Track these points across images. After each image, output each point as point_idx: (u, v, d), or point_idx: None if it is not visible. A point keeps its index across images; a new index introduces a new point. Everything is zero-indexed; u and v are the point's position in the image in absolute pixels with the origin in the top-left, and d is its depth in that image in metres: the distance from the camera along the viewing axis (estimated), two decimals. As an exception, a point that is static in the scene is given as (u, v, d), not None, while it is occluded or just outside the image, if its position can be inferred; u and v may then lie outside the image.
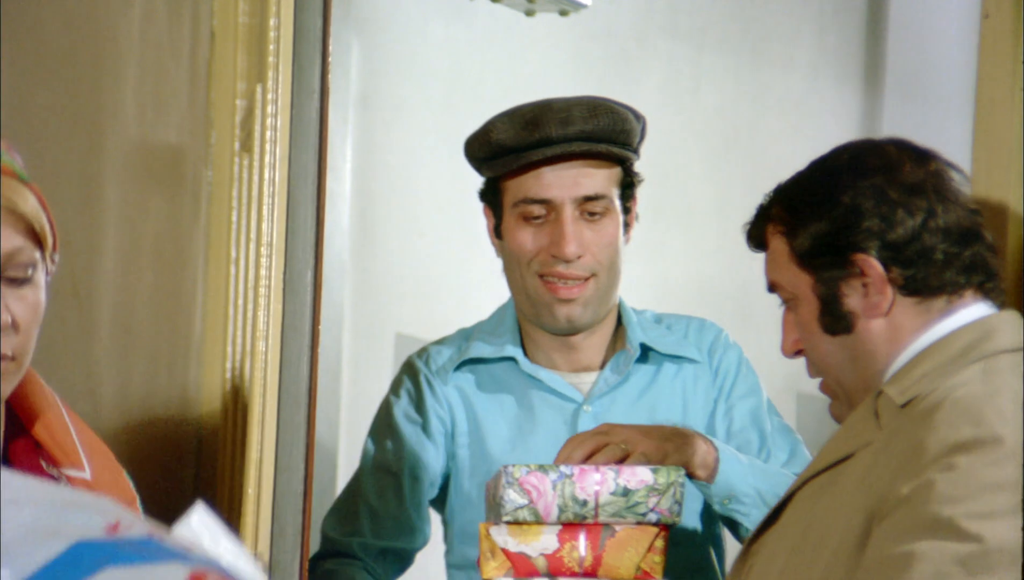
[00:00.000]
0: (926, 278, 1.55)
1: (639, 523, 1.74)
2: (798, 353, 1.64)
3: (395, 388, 2.15)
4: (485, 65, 3.03)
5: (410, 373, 2.14)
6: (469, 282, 2.98)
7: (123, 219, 1.96)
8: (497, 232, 2.10)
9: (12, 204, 1.35)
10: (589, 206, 2.02)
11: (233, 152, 2.02)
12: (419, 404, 2.10)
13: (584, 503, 1.73)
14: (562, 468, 1.73)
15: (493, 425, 2.08)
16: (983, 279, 1.56)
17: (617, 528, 1.74)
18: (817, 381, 1.65)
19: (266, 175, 1.87)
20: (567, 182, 2.02)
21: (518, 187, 2.04)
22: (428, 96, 2.93)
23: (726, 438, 2.08)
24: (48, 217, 1.41)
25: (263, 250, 1.88)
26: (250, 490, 1.87)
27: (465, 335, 2.16)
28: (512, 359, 2.08)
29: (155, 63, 2.00)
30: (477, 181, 3.03)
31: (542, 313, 2.04)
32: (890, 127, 3.71)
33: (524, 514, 1.73)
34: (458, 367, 2.10)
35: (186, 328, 2.04)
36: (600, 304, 2.05)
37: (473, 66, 3.01)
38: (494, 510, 1.76)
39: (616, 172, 2.05)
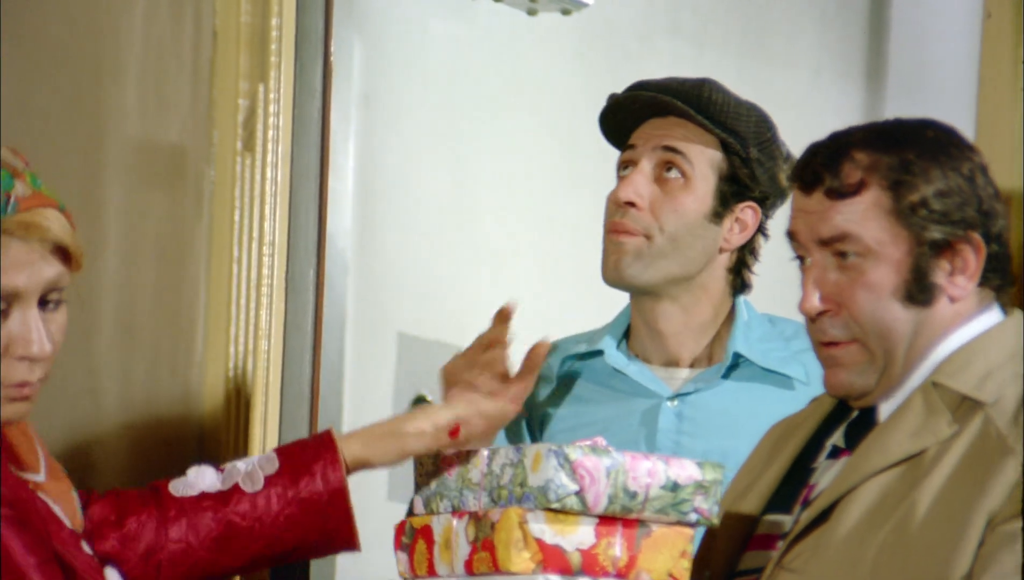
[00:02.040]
0: (1003, 265, 1.50)
1: (678, 523, 1.56)
2: (821, 314, 1.52)
3: None
4: (487, 64, 3.03)
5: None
6: (471, 281, 2.98)
7: (125, 218, 1.96)
8: None
9: (59, 239, 1.37)
10: (669, 157, 2.00)
11: (235, 151, 2.02)
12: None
13: (634, 495, 1.53)
14: (614, 454, 1.53)
15: (569, 420, 2.06)
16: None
17: (653, 527, 1.56)
18: None
19: (268, 174, 1.87)
20: (652, 133, 2.02)
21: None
22: (430, 95, 2.93)
23: None
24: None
25: (265, 249, 1.88)
26: (252, 489, 1.87)
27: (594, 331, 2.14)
28: (601, 353, 2.06)
29: (157, 63, 2.00)
30: (479, 179, 3.02)
31: (605, 267, 2.01)
32: (892, 125, 3.70)
33: (572, 502, 1.51)
34: (562, 363, 2.08)
35: (188, 327, 2.04)
36: (651, 265, 1.99)
37: (475, 65, 3.01)
38: (534, 492, 1.52)
39: (715, 155, 2.01)
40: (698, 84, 2.03)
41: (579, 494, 1.52)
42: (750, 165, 2.03)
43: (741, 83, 3.71)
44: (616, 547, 1.54)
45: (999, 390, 1.47)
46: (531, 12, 2.97)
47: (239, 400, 1.97)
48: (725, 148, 2.02)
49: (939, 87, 3.38)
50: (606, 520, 1.54)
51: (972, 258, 1.47)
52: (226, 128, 2.03)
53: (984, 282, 1.50)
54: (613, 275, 2.01)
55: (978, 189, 1.47)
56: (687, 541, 1.56)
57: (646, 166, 2.00)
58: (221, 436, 2.01)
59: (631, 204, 1.98)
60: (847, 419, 1.60)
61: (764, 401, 2.02)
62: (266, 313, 1.88)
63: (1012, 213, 1.95)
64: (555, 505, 1.51)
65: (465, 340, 2.75)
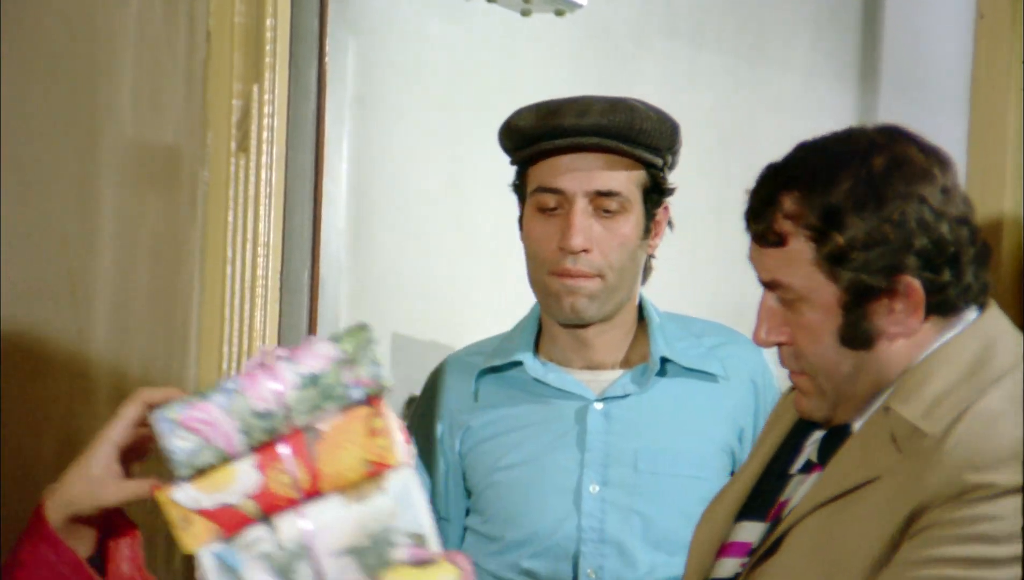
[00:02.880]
0: (955, 299, 1.44)
1: (344, 409, 1.34)
2: (778, 344, 1.49)
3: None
4: (482, 65, 3.03)
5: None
6: (466, 282, 2.98)
7: (119, 219, 1.96)
8: (520, 222, 2.10)
9: None
10: (603, 202, 2.01)
11: (230, 152, 2.02)
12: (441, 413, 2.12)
13: (270, 415, 1.32)
14: (225, 384, 1.33)
15: (491, 427, 2.09)
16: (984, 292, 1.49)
17: (321, 427, 1.34)
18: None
19: (263, 175, 1.87)
20: (580, 175, 2.01)
21: (535, 176, 2.05)
22: (425, 96, 2.93)
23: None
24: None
25: (260, 250, 1.88)
26: (247, 490, 1.87)
27: (498, 340, 2.16)
28: (520, 363, 2.08)
29: (151, 63, 2.00)
30: (473, 180, 3.02)
31: (551, 303, 2.04)
32: (886, 127, 3.71)
33: (206, 458, 1.32)
34: (479, 376, 2.10)
35: (183, 328, 2.04)
36: (607, 301, 2.04)
37: (470, 66, 3.01)
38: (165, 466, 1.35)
39: (640, 174, 2.04)
40: (627, 116, 2.01)
41: (207, 446, 1.32)
42: (666, 169, 2.07)
43: (736, 84, 3.72)
44: (287, 470, 1.33)
45: (946, 417, 1.43)
46: (525, 13, 2.97)
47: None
48: (646, 164, 2.05)
49: (932, 88, 3.38)
50: (264, 448, 1.33)
51: (906, 300, 1.42)
52: (220, 129, 2.03)
53: (944, 310, 1.45)
54: (571, 317, 2.04)
55: (911, 229, 1.41)
56: (369, 419, 1.35)
57: (584, 206, 2.01)
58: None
59: (585, 250, 2.00)
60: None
61: (688, 398, 2.07)
62: (260, 314, 1.88)
63: (1007, 212, 1.95)
64: (187, 471, 1.33)
65: (460, 341, 2.76)
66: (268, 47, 1.89)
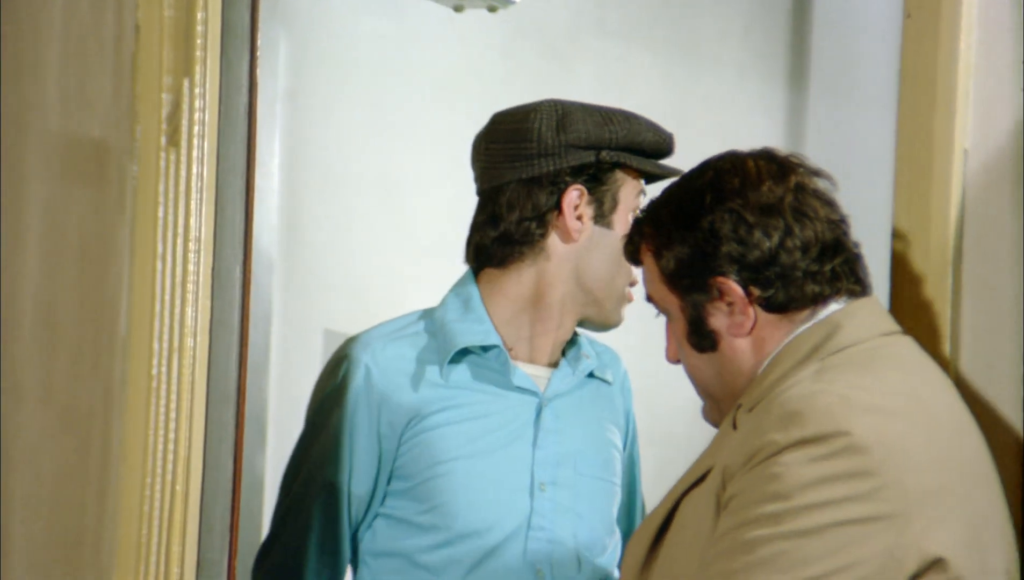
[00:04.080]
0: (787, 295, 1.60)
1: None
2: (679, 361, 1.70)
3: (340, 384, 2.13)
4: (414, 61, 3.02)
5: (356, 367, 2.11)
6: (398, 277, 2.98)
7: (46, 214, 1.94)
8: (603, 220, 2.09)
9: None
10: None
11: (159, 146, 2.01)
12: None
13: None
14: None
15: (455, 421, 2.07)
16: (850, 286, 1.61)
17: None
18: None
19: (194, 170, 1.86)
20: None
21: (638, 188, 2.11)
22: (356, 91, 2.92)
23: (628, 473, 2.15)
24: None
25: (191, 245, 1.87)
26: (178, 487, 1.86)
27: (426, 324, 2.13)
28: (497, 347, 2.08)
29: (78, 57, 1.98)
30: (405, 176, 3.00)
31: (617, 311, 2.09)
32: (815, 125, 3.75)
33: None
34: (452, 361, 2.08)
35: (111, 325, 2.02)
36: None
37: (402, 61, 3.01)
38: None
39: None
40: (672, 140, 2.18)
41: None
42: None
43: (668, 82, 3.74)
44: None
45: (761, 396, 1.57)
46: (458, 9, 2.97)
47: (164, 398, 1.95)
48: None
49: (861, 86, 3.43)
50: None
51: (736, 297, 1.61)
52: (150, 123, 2.01)
53: (784, 306, 1.61)
54: (618, 324, 2.12)
55: (721, 237, 1.60)
56: None
57: None
58: (144, 435, 1.99)
59: None
60: None
61: (598, 402, 2.13)
62: (191, 310, 1.86)
63: (933, 210, 1.98)
64: None
65: (392, 337, 2.72)
66: (199, 41, 1.87)
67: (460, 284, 2.13)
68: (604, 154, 2.06)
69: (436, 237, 3.05)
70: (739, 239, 1.59)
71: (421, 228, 3.01)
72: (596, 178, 2.08)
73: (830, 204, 1.63)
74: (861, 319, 1.60)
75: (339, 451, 2.07)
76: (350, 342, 2.14)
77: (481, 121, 3.15)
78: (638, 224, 1.70)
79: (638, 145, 2.07)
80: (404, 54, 3.01)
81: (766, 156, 1.66)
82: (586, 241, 2.07)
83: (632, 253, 1.70)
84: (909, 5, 2.01)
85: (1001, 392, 1.61)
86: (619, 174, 2.07)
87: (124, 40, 2.01)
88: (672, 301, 1.65)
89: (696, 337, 1.63)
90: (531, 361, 2.08)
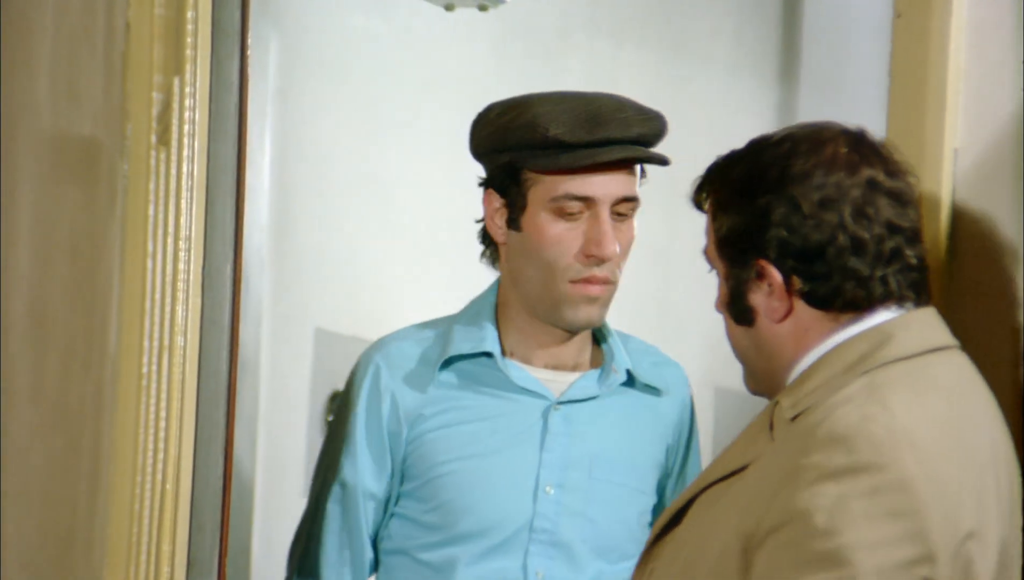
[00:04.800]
0: (828, 293, 1.56)
1: None
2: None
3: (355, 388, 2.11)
4: (405, 60, 3.02)
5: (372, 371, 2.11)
6: (389, 276, 2.98)
7: (37, 212, 1.93)
8: (514, 223, 2.04)
9: None
10: (620, 207, 2.01)
11: (150, 145, 2.00)
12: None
13: None
14: None
15: (457, 423, 2.07)
16: (903, 294, 1.57)
17: None
18: (736, 375, 1.67)
19: (184, 169, 1.86)
20: (610, 182, 2.00)
21: (559, 183, 2.00)
22: (347, 90, 2.92)
23: (675, 483, 2.12)
24: None
25: (181, 244, 1.86)
26: (168, 486, 1.86)
27: (439, 329, 2.12)
28: (489, 354, 2.06)
29: (68, 55, 1.98)
30: (396, 174, 2.99)
31: (564, 312, 2.02)
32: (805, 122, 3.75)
33: None
34: (443, 366, 2.07)
35: (102, 322, 2.02)
36: (609, 305, 2.06)
37: (392, 60, 3.00)
38: None
39: (638, 174, 2.05)
40: (659, 125, 2.04)
41: None
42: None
43: (659, 80, 3.74)
44: None
45: (807, 404, 1.53)
46: (448, 8, 2.97)
47: (154, 397, 1.95)
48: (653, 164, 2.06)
49: (851, 85, 3.43)
50: None
51: (774, 282, 1.58)
52: (140, 122, 2.01)
53: (824, 302, 1.57)
54: (583, 325, 2.03)
55: (772, 221, 1.56)
56: None
57: (607, 214, 2.00)
58: (135, 434, 1.99)
59: (613, 258, 2.01)
60: None
61: (638, 411, 2.09)
62: (182, 308, 1.86)
63: (926, 211, 1.98)
64: None
65: (382, 335, 2.74)
66: (189, 39, 1.87)
67: (490, 287, 2.13)
68: (504, 157, 2.04)
69: (427, 236, 3.05)
70: (789, 227, 1.55)
71: (412, 227, 3.01)
72: (503, 181, 2.05)
73: (902, 206, 1.57)
74: (914, 332, 1.55)
75: (351, 449, 2.09)
76: (373, 343, 2.16)
77: (472, 116, 3.14)
78: (709, 173, 1.64)
79: (546, 144, 1.98)
80: (395, 53, 3.01)
81: (852, 142, 1.60)
82: (511, 245, 2.06)
83: (696, 201, 1.66)
84: (899, 5, 2.01)
85: (995, 392, 1.60)
86: (529, 174, 2.00)
87: (115, 39, 2.00)
88: (720, 265, 1.62)
89: (735, 309, 1.61)
90: (549, 366, 2.06)
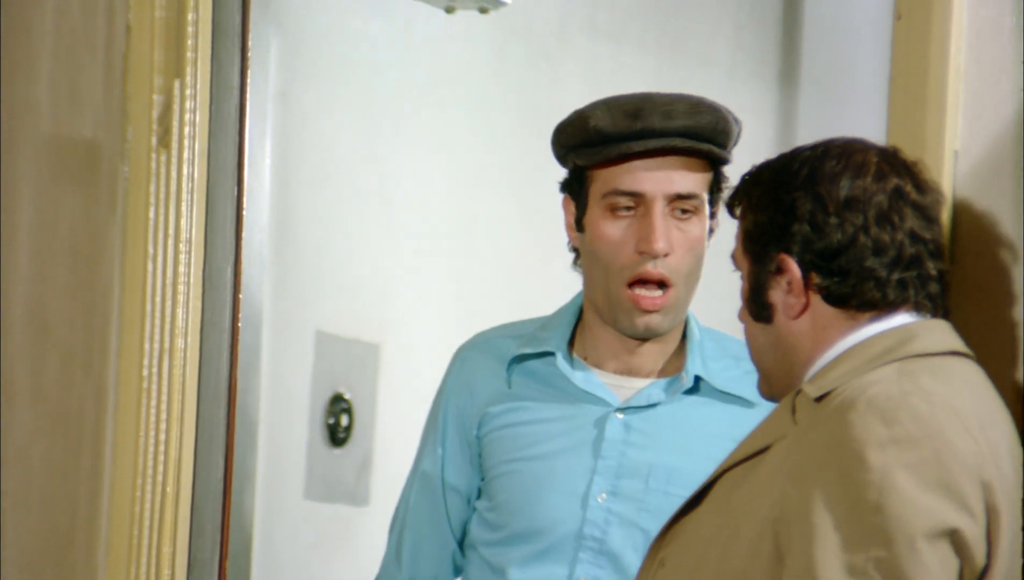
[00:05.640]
0: (846, 291, 1.59)
1: None
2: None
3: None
4: (405, 61, 3.02)
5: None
6: (389, 278, 2.97)
7: (38, 215, 1.93)
8: (579, 225, 2.02)
9: None
10: (680, 204, 1.96)
11: (150, 147, 2.00)
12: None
13: None
14: None
15: (508, 416, 2.05)
16: (920, 301, 1.60)
17: None
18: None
19: (184, 171, 1.86)
20: (660, 177, 1.96)
21: (610, 178, 1.97)
22: (347, 92, 2.92)
23: None
24: None
25: (182, 246, 1.87)
26: (169, 488, 1.86)
27: (534, 325, 2.11)
28: (552, 354, 2.04)
29: (69, 57, 1.98)
30: (397, 176, 3.00)
31: (621, 319, 1.98)
32: (805, 125, 3.75)
33: None
34: (511, 363, 2.05)
35: (103, 324, 2.02)
36: (679, 310, 1.99)
37: (393, 63, 3.00)
38: None
39: (708, 174, 1.98)
40: (712, 118, 1.96)
41: None
42: (725, 164, 2.02)
43: (658, 82, 3.74)
44: None
45: (832, 385, 1.56)
46: (449, 10, 2.97)
47: (155, 398, 1.95)
48: (712, 161, 1.99)
49: (852, 87, 3.43)
50: None
51: (794, 278, 1.61)
52: (141, 124, 2.01)
53: (843, 300, 1.60)
54: (642, 332, 1.98)
55: (798, 216, 1.61)
56: None
57: (662, 209, 1.95)
58: (135, 435, 1.99)
59: (665, 254, 1.95)
60: None
61: (714, 420, 2.02)
62: (182, 311, 1.86)
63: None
64: None
65: (382, 338, 2.75)
66: (190, 41, 1.87)
67: (580, 292, 2.11)
68: (569, 158, 2.03)
69: (428, 237, 3.05)
70: (813, 223, 1.59)
71: (412, 228, 3.01)
72: (572, 184, 2.05)
73: (927, 220, 1.61)
74: (936, 335, 1.59)
75: (434, 439, 2.09)
76: (472, 337, 2.15)
77: (472, 119, 3.15)
78: (744, 179, 1.68)
79: (590, 137, 1.96)
80: (395, 55, 3.01)
81: (884, 153, 1.64)
82: (582, 248, 2.04)
83: (729, 205, 1.69)
84: (900, 7, 2.01)
85: (1000, 395, 1.61)
86: (590, 173, 1.98)
87: (115, 41, 2.00)
88: (744, 263, 1.66)
89: (754, 305, 1.64)
90: (622, 372, 2.03)
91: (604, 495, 1.99)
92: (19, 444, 1.92)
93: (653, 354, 2.03)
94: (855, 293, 1.59)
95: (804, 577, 1.46)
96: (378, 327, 2.91)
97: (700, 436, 2.00)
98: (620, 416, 2.00)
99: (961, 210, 2.00)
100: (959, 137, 2.01)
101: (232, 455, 1.88)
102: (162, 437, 1.90)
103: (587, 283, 2.03)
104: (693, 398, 2.01)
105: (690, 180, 1.98)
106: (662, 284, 1.96)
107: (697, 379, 2.02)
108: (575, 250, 2.07)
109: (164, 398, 1.90)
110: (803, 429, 1.55)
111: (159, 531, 1.87)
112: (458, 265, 3.08)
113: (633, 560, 1.98)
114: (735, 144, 2.02)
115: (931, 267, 1.61)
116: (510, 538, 2.01)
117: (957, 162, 2.00)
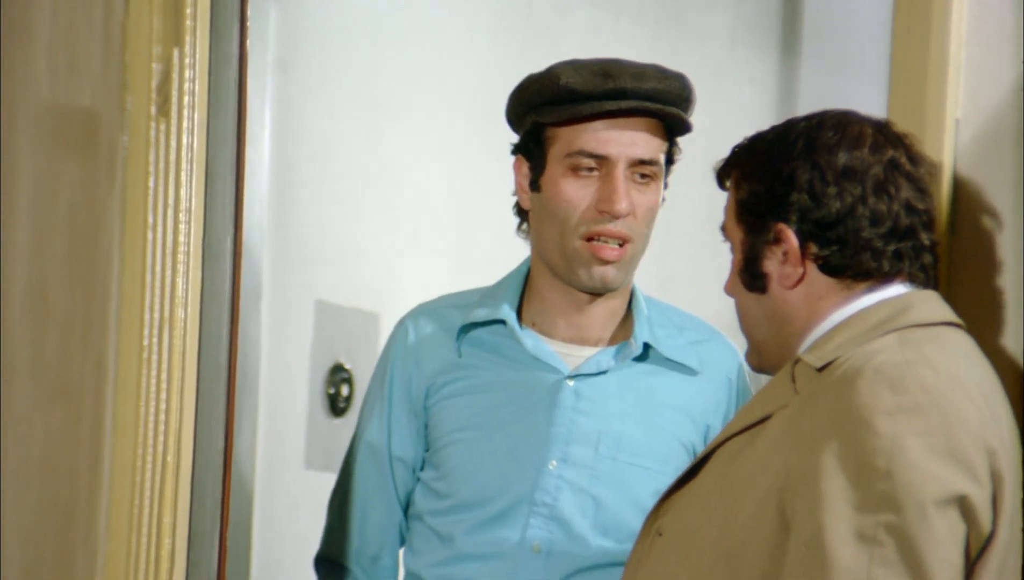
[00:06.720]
0: (843, 260, 1.61)
1: None
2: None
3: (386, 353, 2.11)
4: (405, 32, 3.01)
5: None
6: (389, 249, 2.97)
7: (37, 185, 1.93)
8: (534, 185, 2.04)
9: None
10: (641, 169, 1.99)
11: (150, 117, 2.00)
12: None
13: None
14: None
15: (458, 383, 2.06)
16: (913, 272, 1.60)
17: None
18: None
19: (184, 140, 1.85)
20: (625, 140, 1.98)
21: (573, 138, 1.99)
22: (347, 62, 2.91)
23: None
24: None
25: (181, 216, 1.86)
26: (169, 459, 1.86)
27: (477, 294, 2.11)
28: (504, 323, 2.05)
29: (67, 26, 1.97)
30: (396, 147, 3.00)
31: (578, 271, 2.01)
32: (807, 94, 3.75)
33: None
34: (461, 332, 2.06)
35: (102, 296, 2.02)
36: (631, 268, 2.03)
37: (393, 32, 2.99)
38: None
39: (664, 143, 2.02)
40: (679, 84, 2.00)
41: None
42: (682, 134, 2.04)
43: (657, 52, 3.73)
44: None
45: (833, 354, 1.57)
46: (449, -21, 2.96)
47: (155, 370, 1.95)
48: (669, 130, 2.02)
49: (853, 56, 3.42)
50: None
51: (790, 247, 1.62)
52: (140, 93, 2.00)
53: (838, 270, 1.61)
54: (598, 286, 2.01)
55: (795, 186, 1.61)
56: None
57: (624, 172, 1.98)
58: (136, 406, 1.99)
59: (627, 216, 1.98)
60: None
61: (661, 388, 2.05)
62: (182, 281, 1.86)
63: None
64: None
65: (382, 308, 2.75)
66: (188, 10, 1.86)
67: (524, 260, 2.11)
68: (529, 118, 2.03)
69: (428, 206, 3.05)
70: (811, 193, 1.60)
71: (411, 199, 3.00)
72: (527, 143, 2.05)
73: (920, 192, 1.62)
74: (931, 305, 1.60)
75: (379, 411, 2.10)
76: (412, 308, 2.15)
77: (472, 91, 3.14)
78: (735, 150, 1.69)
79: (560, 95, 1.97)
80: (395, 25, 3.00)
81: (878, 125, 1.65)
82: (534, 208, 2.05)
83: (719, 177, 1.70)
84: (901, -25, 2.01)
85: (997, 365, 1.62)
86: (549, 132, 2.00)
87: (114, 10, 2.00)
88: (736, 234, 1.66)
89: (747, 275, 1.65)
90: (571, 340, 2.04)
91: (555, 462, 2.01)
92: (19, 416, 1.92)
93: (602, 318, 2.05)
94: (852, 263, 1.60)
95: (812, 543, 1.46)
96: (378, 297, 2.91)
97: (648, 404, 2.03)
98: (571, 383, 2.02)
99: (962, 178, 2.00)
100: (960, 106, 2.00)
101: (232, 425, 1.88)
102: (162, 407, 1.90)
103: (539, 243, 2.05)
104: (642, 366, 2.04)
105: (652, 145, 2.00)
106: (621, 241, 1.98)
107: (645, 347, 2.03)
108: (521, 214, 2.08)
109: (164, 368, 1.90)
110: (805, 398, 1.55)
111: (159, 502, 1.87)
112: (458, 235, 3.08)
113: (584, 525, 2.00)
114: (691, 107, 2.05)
115: (925, 238, 1.62)
116: (458, 506, 2.02)
117: (958, 130, 2.00)
